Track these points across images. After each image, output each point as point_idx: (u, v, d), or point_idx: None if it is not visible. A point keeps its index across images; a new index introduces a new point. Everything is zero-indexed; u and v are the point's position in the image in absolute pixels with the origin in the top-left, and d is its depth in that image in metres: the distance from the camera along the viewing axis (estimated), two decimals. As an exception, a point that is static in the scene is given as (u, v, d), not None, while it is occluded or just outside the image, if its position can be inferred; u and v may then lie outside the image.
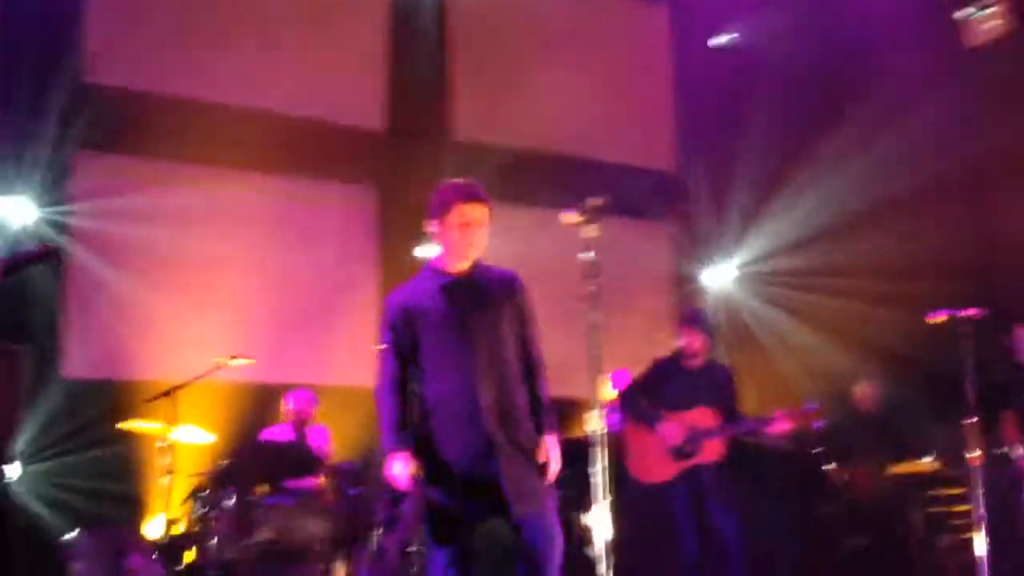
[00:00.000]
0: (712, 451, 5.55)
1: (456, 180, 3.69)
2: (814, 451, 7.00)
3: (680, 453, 5.56)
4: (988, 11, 8.02)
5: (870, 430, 7.24)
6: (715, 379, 5.75)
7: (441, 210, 3.60)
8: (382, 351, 3.65)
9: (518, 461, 3.47)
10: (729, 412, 5.67)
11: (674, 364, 5.81)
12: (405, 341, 3.60)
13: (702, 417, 5.58)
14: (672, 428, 5.55)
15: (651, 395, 5.67)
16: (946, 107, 7.85)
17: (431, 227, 3.65)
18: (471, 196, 3.59)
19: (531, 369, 3.67)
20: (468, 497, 3.48)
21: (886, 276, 7.69)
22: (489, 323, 3.54)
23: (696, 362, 5.76)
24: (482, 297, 3.58)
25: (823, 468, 7.05)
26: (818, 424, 5.71)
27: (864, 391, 7.48)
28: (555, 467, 3.56)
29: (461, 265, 3.64)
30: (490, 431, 3.47)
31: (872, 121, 8.00)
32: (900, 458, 6.92)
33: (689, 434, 5.55)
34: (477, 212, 3.58)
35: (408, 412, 3.59)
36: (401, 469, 3.49)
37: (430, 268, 3.71)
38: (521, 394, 3.60)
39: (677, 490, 5.61)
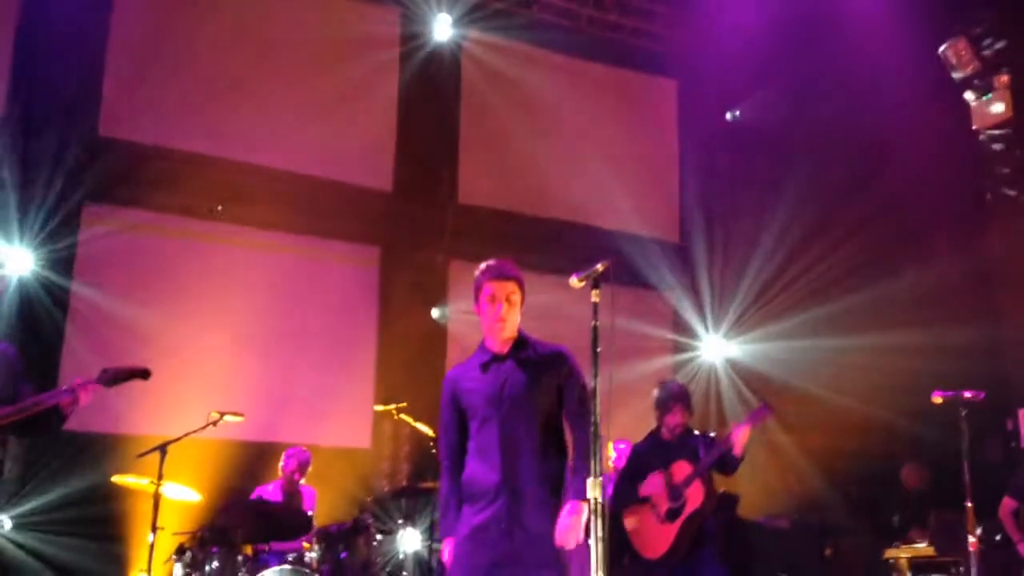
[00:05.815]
0: (695, 496, 5.52)
1: (487, 261, 3.78)
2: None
3: (671, 513, 5.53)
4: (992, 94, 8.05)
5: (909, 507, 7.19)
6: (690, 444, 5.74)
7: (476, 292, 3.75)
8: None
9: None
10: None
11: (653, 442, 5.82)
12: (455, 420, 3.74)
13: (678, 470, 5.60)
14: (653, 483, 5.59)
15: (638, 481, 5.69)
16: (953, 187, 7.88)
17: (476, 310, 3.76)
18: (496, 274, 3.71)
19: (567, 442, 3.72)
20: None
21: (886, 355, 7.59)
22: (517, 400, 3.60)
23: (674, 433, 5.76)
24: (518, 374, 3.63)
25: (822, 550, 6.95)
26: (769, 418, 5.74)
27: (910, 470, 7.45)
28: (568, 536, 3.48)
29: (501, 342, 3.72)
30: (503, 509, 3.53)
31: (878, 201, 7.99)
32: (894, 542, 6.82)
33: (670, 488, 5.55)
34: (501, 288, 3.68)
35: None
36: (447, 556, 3.59)
37: (480, 347, 3.82)
38: (539, 470, 3.60)
39: (673, 569, 5.53)
